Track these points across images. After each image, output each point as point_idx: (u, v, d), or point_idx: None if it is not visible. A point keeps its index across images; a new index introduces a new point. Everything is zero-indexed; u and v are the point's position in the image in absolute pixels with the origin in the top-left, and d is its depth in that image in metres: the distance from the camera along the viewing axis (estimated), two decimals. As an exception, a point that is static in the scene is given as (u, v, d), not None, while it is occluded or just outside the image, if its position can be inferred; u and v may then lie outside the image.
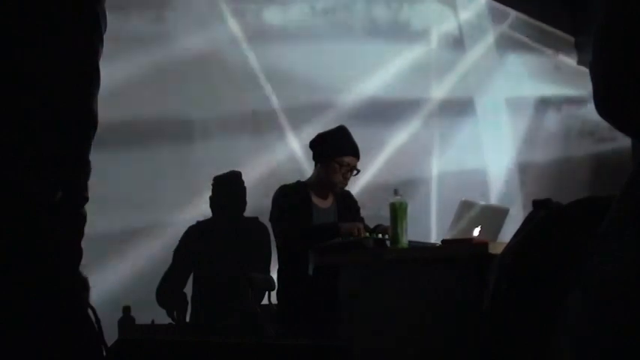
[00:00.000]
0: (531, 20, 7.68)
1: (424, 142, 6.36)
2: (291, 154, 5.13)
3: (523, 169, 7.39)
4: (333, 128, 3.70)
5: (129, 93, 4.23)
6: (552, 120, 7.92)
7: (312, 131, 3.99)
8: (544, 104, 7.85)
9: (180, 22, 4.81)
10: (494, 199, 6.43)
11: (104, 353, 1.09)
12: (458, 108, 6.81)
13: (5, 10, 1.00)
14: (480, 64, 7.12)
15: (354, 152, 3.61)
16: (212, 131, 4.90)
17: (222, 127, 4.93)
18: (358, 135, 3.73)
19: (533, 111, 7.74)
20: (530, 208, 1.06)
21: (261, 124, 5.19)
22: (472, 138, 6.87)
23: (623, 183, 0.70)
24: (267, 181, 4.05)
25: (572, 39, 8.03)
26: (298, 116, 5.35)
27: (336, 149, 3.58)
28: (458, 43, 6.96)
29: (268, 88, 5.28)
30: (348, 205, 3.73)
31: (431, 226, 6.21)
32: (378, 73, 6.00)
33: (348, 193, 3.78)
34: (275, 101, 5.32)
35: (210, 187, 3.97)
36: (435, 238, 5.37)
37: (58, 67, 1.03)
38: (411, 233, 3.02)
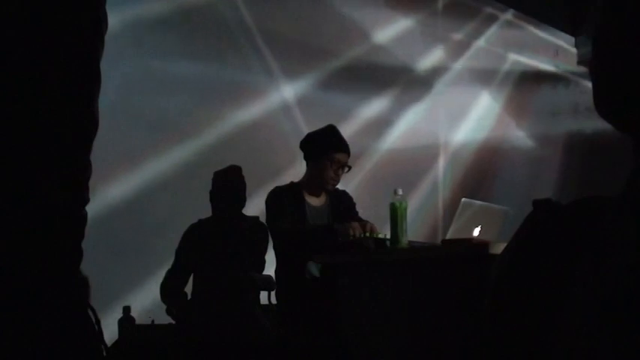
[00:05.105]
0: (531, 20, 7.68)
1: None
2: (290, 156, 5.13)
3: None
4: (322, 127, 3.70)
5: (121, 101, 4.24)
6: (551, 120, 7.92)
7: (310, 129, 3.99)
8: (544, 105, 7.85)
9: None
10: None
11: (104, 353, 1.09)
12: (459, 109, 6.81)
13: (5, 12, 1.00)
14: (478, 66, 7.12)
15: (344, 149, 3.61)
16: (208, 134, 4.90)
17: (219, 129, 4.94)
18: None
19: (533, 111, 7.74)
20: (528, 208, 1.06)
21: (260, 130, 5.19)
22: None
23: (622, 183, 0.70)
24: (265, 185, 4.04)
25: (572, 39, 8.03)
26: (297, 113, 5.35)
27: (325, 146, 3.58)
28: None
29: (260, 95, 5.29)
30: (342, 202, 3.72)
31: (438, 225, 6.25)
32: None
33: (343, 192, 3.78)
34: (269, 105, 5.31)
35: (209, 187, 3.96)
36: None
37: (58, 67, 1.03)
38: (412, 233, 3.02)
